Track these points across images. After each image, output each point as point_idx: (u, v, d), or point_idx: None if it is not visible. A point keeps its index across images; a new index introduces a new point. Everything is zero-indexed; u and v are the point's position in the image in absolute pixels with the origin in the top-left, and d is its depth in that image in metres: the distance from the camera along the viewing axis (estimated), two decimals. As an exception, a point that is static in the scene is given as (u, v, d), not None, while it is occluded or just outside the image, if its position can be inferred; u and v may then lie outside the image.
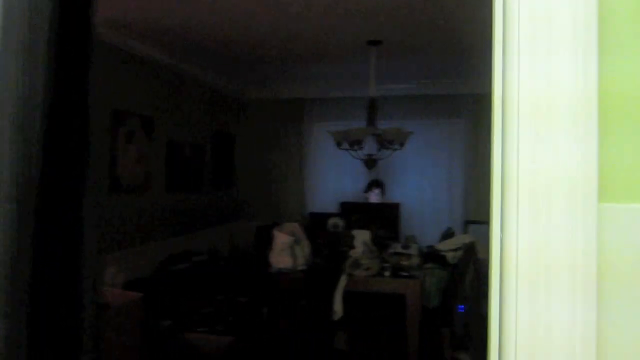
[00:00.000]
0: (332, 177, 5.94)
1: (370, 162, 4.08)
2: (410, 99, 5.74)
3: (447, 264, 3.57)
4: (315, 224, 4.57)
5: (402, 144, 3.97)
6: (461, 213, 5.61)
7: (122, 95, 3.63)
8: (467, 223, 5.27)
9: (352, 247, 3.66)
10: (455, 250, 3.62)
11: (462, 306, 3.18)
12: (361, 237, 3.69)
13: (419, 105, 5.71)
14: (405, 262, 3.56)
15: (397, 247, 3.85)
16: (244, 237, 5.48)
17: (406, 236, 4.54)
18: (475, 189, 5.47)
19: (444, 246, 3.77)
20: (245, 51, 4.06)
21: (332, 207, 5.30)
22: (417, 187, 5.79)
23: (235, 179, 5.94)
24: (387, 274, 3.46)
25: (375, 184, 5.33)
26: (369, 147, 4.12)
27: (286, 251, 3.46)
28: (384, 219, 4.67)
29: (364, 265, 3.43)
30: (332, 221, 4.29)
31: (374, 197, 5.22)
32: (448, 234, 4.31)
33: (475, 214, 5.40)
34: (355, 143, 3.91)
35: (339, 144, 4.03)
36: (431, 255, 3.74)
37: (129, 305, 2.51)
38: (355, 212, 4.65)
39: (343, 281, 3.32)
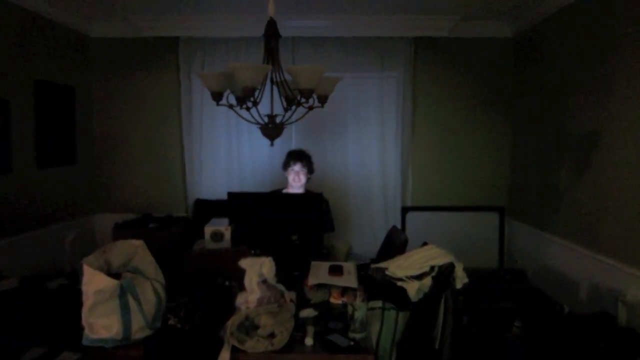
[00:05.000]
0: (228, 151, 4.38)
1: (270, 130, 2.34)
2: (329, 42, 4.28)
3: (407, 301, 2.04)
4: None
5: (323, 99, 2.35)
6: (396, 197, 4.42)
7: None
8: (405, 210, 4.43)
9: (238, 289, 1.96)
10: (421, 276, 2.08)
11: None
12: (256, 269, 1.88)
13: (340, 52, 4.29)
14: (337, 303, 2.04)
15: (322, 273, 2.23)
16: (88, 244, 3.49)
17: (329, 246, 2.86)
18: (414, 163, 4.44)
19: (400, 269, 2.14)
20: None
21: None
22: (340, 164, 4.42)
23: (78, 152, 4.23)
24: (309, 342, 1.73)
25: (297, 156, 3.37)
26: (270, 104, 2.37)
27: (108, 306, 1.63)
28: (299, 222, 2.77)
29: (263, 328, 1.73)
30: (207, 239, 2.41)
31: (297, 180, 3.32)
32: (396, 241, 2.78)
33: (415, 197, 4.47)
34: (247, 95, 2.16)
35: (216, 96, 2.28)
36: (380, 286, 2.13)
37: None
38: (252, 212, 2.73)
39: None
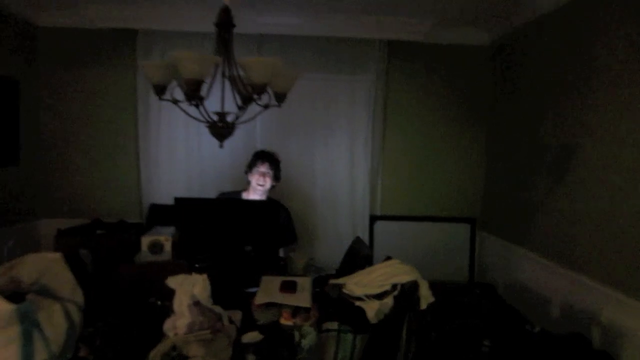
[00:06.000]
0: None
1: (219, 129, 2.08)
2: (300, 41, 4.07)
3: (365, 323, 1.82)
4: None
5: (280, 96, 2.12)
6: (365, 205, 4.20)
7: None
8: (374, 219, 4.20)
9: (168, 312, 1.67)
10: (381, 295, 1.87)
11: None
12: (187, 289, 1.61)
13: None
14: (288, 325, 1.80)
15: (273, 290, 1.99)
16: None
17: (287, 257, 2.64)
18: (384, 171, 4.26)
19: (359, 287, 1.92)
20: None
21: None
22: (307, 169, 4.18)
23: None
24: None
25: (265, 156, 3.14)
26: (220, 101, 2.12)
27: (5, 335, 1.33)
28: (255, 232, 2.53)
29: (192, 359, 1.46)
30: (145, 251, 2.15)
31: (261, 182, 3.07)
32: (359, 255, 2.58)
33: (384, 205, 4.27)
34: (192, 89, 1.90)
35: (159, 89, 2.04)
36: (336, 306, 1.93)
37: None
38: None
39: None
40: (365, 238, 4.14)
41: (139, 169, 4.14)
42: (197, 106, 2.09)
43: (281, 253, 3.09)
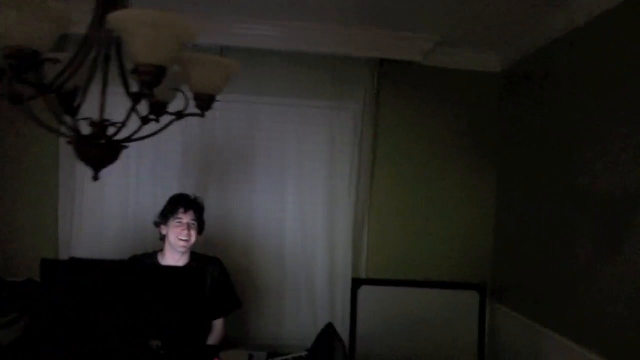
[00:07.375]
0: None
1: (89, 149, 1.20)
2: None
3: None
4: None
5: (202, 98, 1.25)
6: (346, 267, 3.27)
7: None
8: (358, 284, 3.16)
9: None
10: None
11: None
12: None
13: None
14: None
15: None
16: None
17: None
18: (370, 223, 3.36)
19: None
20: None
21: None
22: (267, 220, 3.27)
23: None
24: None
25: (189, 203, 2.41)
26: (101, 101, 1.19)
27: None
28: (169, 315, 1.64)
29: None
30: None
31: (185, 237, 2.35)
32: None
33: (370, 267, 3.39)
34: (13, 66, 0.99)
35: None
36: None
37: None
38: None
39: None
40: (347, 307, 3.21)
41: (57, 213, 3.21)
42: (72, 112, 1.23)
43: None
